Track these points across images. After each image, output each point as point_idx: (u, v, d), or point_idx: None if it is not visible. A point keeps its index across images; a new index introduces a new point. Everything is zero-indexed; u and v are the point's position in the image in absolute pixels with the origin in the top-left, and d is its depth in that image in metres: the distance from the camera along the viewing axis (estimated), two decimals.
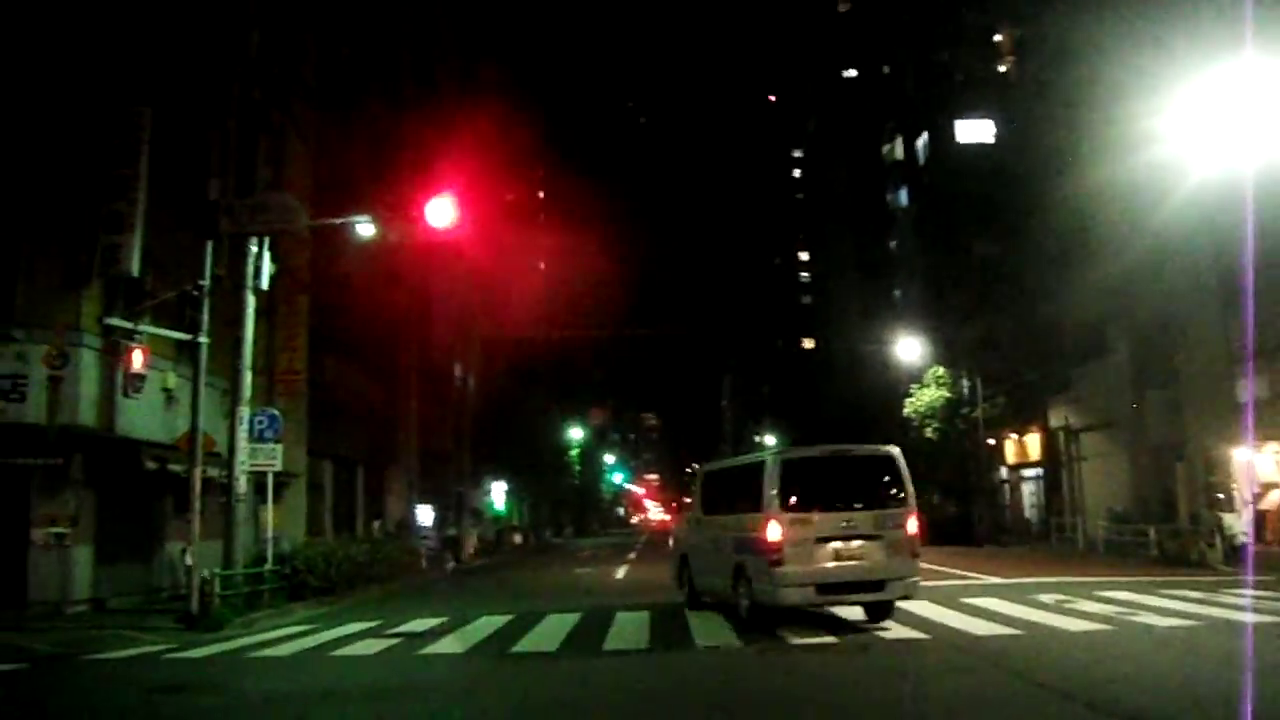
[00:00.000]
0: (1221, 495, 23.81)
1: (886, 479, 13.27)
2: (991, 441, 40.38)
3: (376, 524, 28.38)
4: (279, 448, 19.08)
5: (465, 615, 15.73)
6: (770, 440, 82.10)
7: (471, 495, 48.82)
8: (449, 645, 12.43)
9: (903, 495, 13.09)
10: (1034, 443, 38.78)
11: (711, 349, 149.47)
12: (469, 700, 9.23)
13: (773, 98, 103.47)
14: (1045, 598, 15.06)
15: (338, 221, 18.45)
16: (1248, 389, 25.91)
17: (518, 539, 48.71)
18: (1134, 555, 26.01)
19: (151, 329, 17.32)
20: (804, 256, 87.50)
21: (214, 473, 18.06)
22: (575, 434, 58.81)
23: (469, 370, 46.42)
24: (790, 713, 8.00)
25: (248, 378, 17.86)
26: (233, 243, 17.87)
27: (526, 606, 16.79)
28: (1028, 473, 40.21)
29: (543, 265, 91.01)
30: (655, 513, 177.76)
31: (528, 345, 55.40)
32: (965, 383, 38.47)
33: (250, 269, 17.64)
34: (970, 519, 37.79)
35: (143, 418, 18.94)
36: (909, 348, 41.20)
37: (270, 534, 20.40)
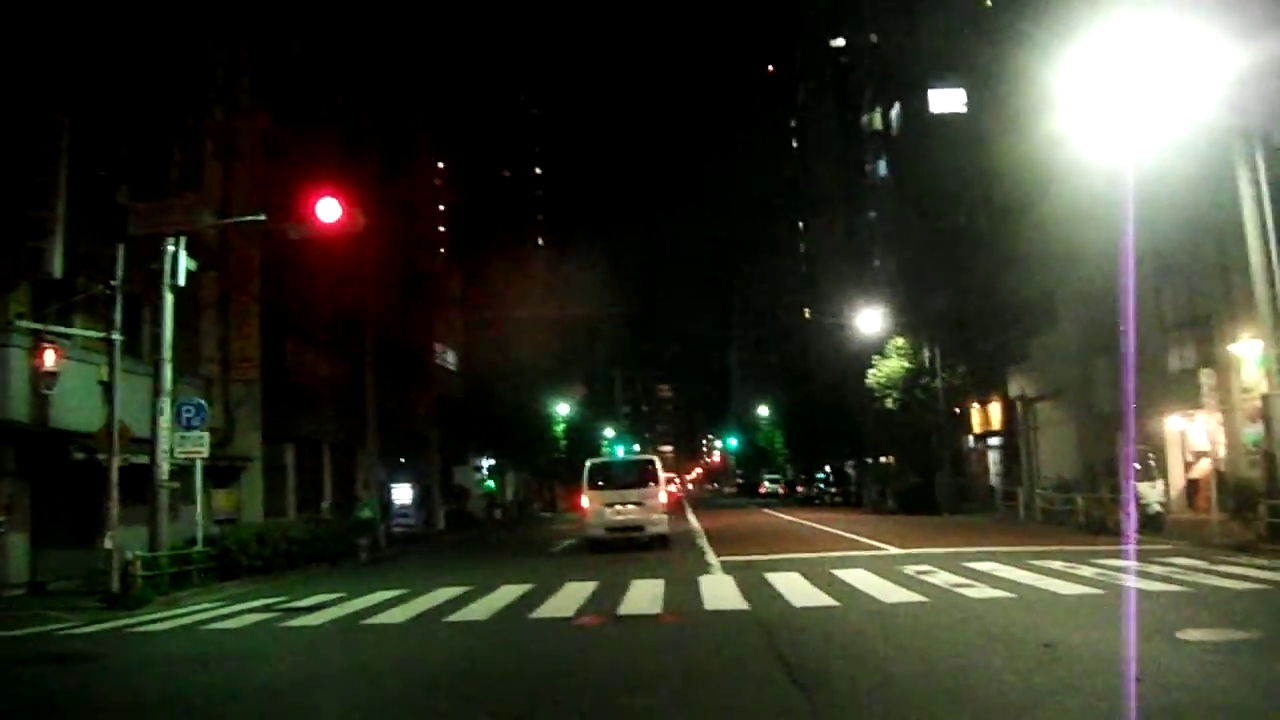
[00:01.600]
0: (1138, 465, 24.32)
1: (645, 471, 26.34)
2: (958, 411, 40.99)
3: (325, 505, 29.35)
4: (205, 435, 19.89)
5: (365, 589, 16.69)
6: (763, 411, 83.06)
7: (457, 472, 49.96)
8: (314, 619, 13.34)
9: (654, 481, 25.66)
10: (996, 412, 39.39)
11: (720, 321, 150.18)
12: (305, 660, 10.22)
13: (771, 68, 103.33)
14: (912, 569, 15.71)
15: (235, 221, 19.24)
16: (1173, 360, 26.52)
17: (497, 514, 49.73)
18: (1067, 524, 26.62)
19: (61, 329, 18.19)
20: (801, 226, 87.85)
21: (143, 460, 18.98)
22: (561, 409, 59.59)
23: (446, 350, 47.42)
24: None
25: (168, 370, 18.75)
26: (152, 242, 18.70)
27: (422, 588, 17.28)
28: (993, 441, 40.81)
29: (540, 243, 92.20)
30: (672, 485, 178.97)
31: (521, 324, 56.33)
32: (926, 353, 39.04)
33: (167, 267, 18.49)
34: (932, 488, 38.52)
35: (78, 411, 19.85)
36: (870, 319, 41.82)
37: (219, 517, 21.31)
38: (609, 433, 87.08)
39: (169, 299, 18.77)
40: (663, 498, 25.47)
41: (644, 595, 13.84)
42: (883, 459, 49.02)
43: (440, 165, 73.10)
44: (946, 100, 46.65)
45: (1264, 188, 18.14)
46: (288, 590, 18.10)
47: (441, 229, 61.32)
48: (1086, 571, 14.43)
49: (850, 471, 58.87)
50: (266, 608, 15.03)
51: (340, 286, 32.21)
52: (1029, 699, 6.89)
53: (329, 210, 16.38)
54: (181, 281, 18.92)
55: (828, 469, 63.29)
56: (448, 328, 49.60)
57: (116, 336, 17.74)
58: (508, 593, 14.98)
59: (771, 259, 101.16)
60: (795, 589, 13.69)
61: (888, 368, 39.36)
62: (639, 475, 26.04)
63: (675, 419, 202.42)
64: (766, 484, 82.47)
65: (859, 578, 14.73)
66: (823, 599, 12.51)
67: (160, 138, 19.19)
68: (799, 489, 65.88)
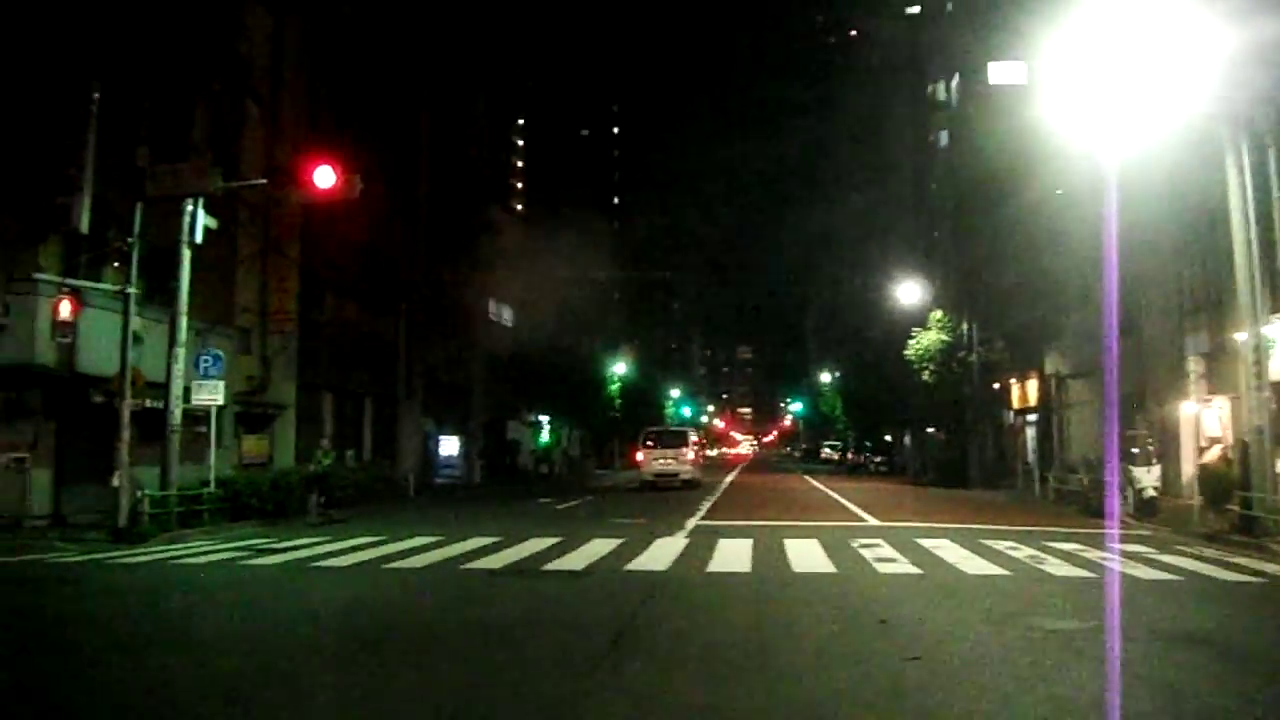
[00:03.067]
0: (1135, 450, 24.32)
1: (681, 437, 39.90)
2: (997, 386, 40.90)
3: (349, 453, 30.67)
4: (221, 384, 21.21)
5: (354, 533, 17.85)
6: (825, 377, 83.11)
7: (511, 427, 51.27)
8: (275, 559, 14.43)
9: (686, 445, 38.48)
10: (1034, 388, 39.22)
11: (799, 283, 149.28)
12: (224, 595, 11.24)
13: (832, 39, 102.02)
14: (861, 542, 16.17)
15: (240, 185, 20.32)
16: (1191, 345, 26.31)
17: (544, 469, 50.92)
18: (1075, 504, 26.73)
19: (78, 281, 19.45)
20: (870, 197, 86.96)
21: (161, 405, 20.32)
22: (618, 369, 60.50)
23: (502, 306, 48.59)
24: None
25: (183, 322, 20.05)
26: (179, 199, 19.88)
27: (398, 537, 17.86)
28: (1031, 418, 40.64)
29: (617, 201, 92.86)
30: (746, 446, 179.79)
31: (586, 283, 57.25)
32: (964, 327, 39.01)
33: (185, 225, 19.71)
34: (965, 462, 38.63)
35: (106, 358, 21.20)
36: (909, 291, 41.89)
37: (249, 461, 22.53)
38: (674, 393, 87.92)
39: (186, 255, 20.01)
40: (690, 455, 38.20)
41: (589, 552, 14.64)
42: (929, 430, 49.06)
43: (516, 121, 74.22)
44: (1005, 73, 45.75)
45: (1248, 176, 18.05)
46: (285, 533, 19.24)
47: (511, 185, 62.22)
48: (1023, 553, 14.68)
49: (905, 442, 58.97)
50: (249, 548, 16.15)
51: (384, 241, 33.36)
52: (813, 664, 7.52)
53: (324, 177, 17.33)
54: (199, 239, 20.15)
55: (888, 438, 63.51)
56: (506, 284, 50.67)
57: (132, 290, 19.02)
58: (464, 546, 15.80)
59: (848, 226, 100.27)
60: (730, 555, 14.34)
61: (926, 340, 39.44)
62: (676, 440, 39.42)
63: (754, 380, 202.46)
64: (826, 450, 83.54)
65: (802, 548, 15.24)
66: (740, 566, 13.14)
67: (184, 100, 20.19)
68: (850, 457, 66.59)
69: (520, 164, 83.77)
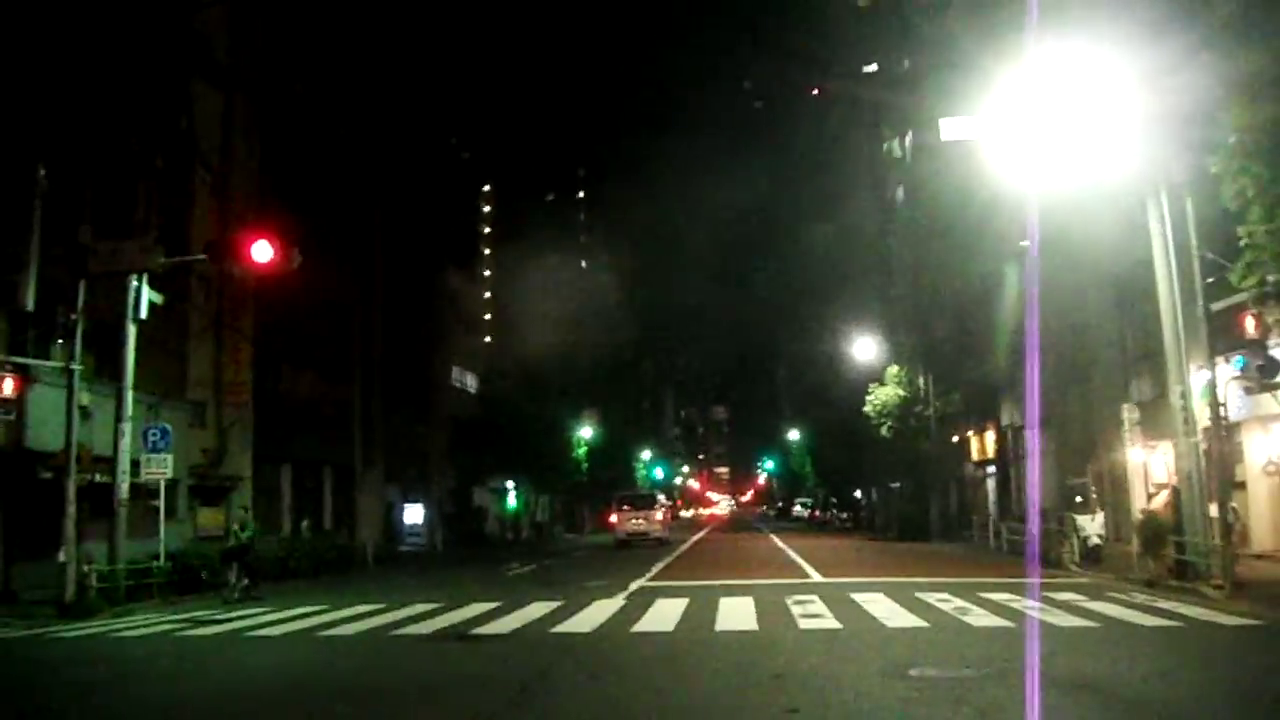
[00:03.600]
0: (1080, 498, 24.73)
1: (651, 500, 46.18)
2: (956, 439, 41.35)
3: (305, 524, 30.78)
4: (170, 457, 21.35)
5: (301, 603, 17.93)
6: (794, 434, 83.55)
7: (476, 494, 51.31)
8: (215, 629, 14.55)
9: (655, 506, 44.95)
10: (991, 440, 39.69)
11: (769, 343, 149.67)
12: (156, 665, 11.41)
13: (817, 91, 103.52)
14: (795, 599, 16.07)
15: (181, 261, 20.63)
16: (1136, 392, 26.82)
17: (509, 535, 50.94)
18: (1024, 554, 26.95)
19: (21, 359, 19.64)
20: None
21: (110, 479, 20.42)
22: (585, 433, 60.67)
23: (465, 373, 48.80)
24: None
25: (129, 396, 20.24)
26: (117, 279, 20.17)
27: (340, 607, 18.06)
28: (991, 469, 41.07)
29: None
30: (724, 506, 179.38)
31: (552, 347, 57.56)
32: (921, 381, 39.50)
33: (130, 301, 19.99)
34: (926, 516, 38.94)
35: (54, 433, 21.33)
36: (865, 346, 42.53)
37: (205, 534, 22.61)
38: (646, 455, 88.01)
39: (132, 331, 20.25)
40: (660, 516, 43.71)
41: (525, 615, 14.82)
42: (893, 485, 49.41)
43: (481, 187, 74.78)
44: (955, 129, 46.78)
45: (1168, 227, 18.60)
46: (233, 606, 19.26)
47: (478, 250, 62.50)
48: (952, 605, 14.78)
49: (873, 497, 59.25)
50: (191, 620, 16.21)
51: (341, 312, 33.68)
52: (698, 715, 7.82)
53: (261, 251, 17.69)
54: (144, 315, 20.40)
55: (858, 494, 63.79)
56: (469, 350, 51.04)
57: (76, 366, 19.22)
58: (403, 613, 15.84)
59: (815, 282, 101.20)
60: (661, 615, 14.51)
61: (884, 395, 39.91)
62: (646, 503, 44.91)
63: (731, 440, 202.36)
64: (798, 508, 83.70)
65: (734, 607, 15.31)
66: (665, 626, 13.29)
67: (130, 177, 20.58)
68: (815, 514, 67.17)
69: (487, 230, 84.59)
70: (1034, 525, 22.03)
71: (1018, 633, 12.09)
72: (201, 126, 27.24)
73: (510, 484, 54.54)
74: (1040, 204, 28.32)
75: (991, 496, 40.84)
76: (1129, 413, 20.92)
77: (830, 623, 13.23)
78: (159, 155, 21.75)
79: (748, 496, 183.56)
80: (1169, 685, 8.89)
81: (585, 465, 60.04)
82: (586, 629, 13.22)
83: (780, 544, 39.25)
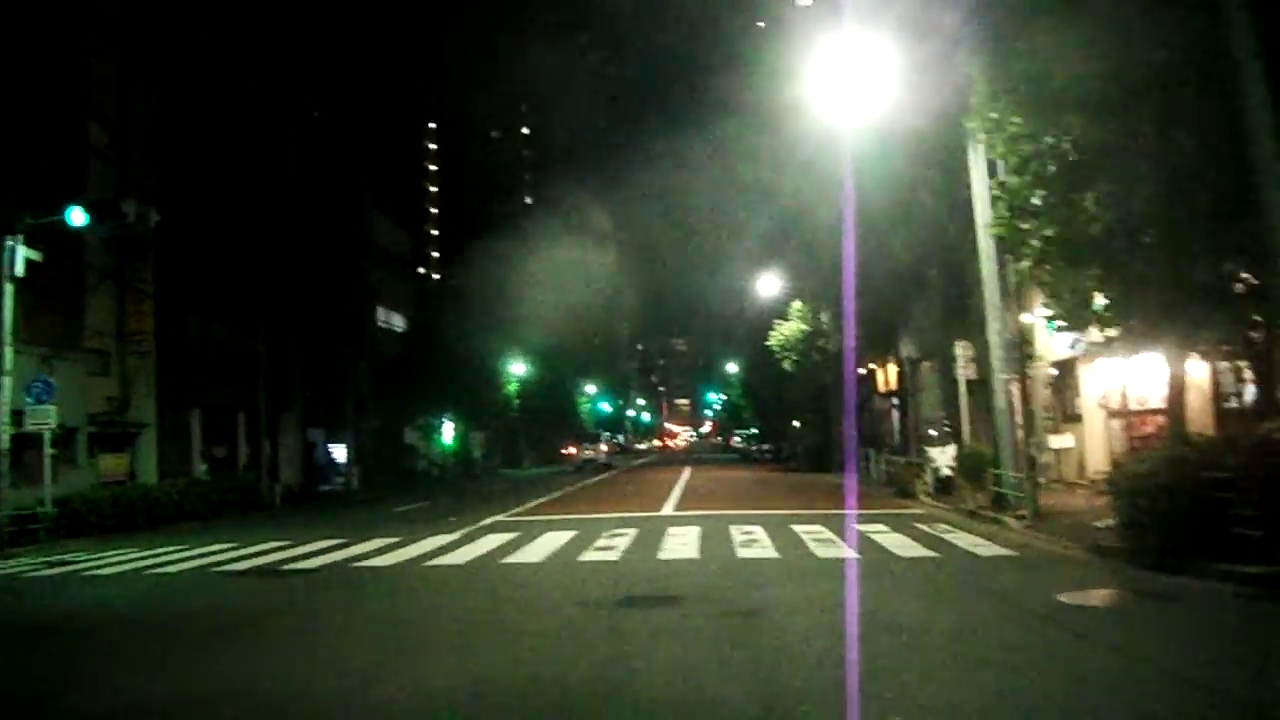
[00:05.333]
0: (933, 431, 25.94)
1: (597, 436, 74.69)
2: (863, 371, 42.62)
3: (203, 467, 31.86)
4: (53, 409, 22.16)
5: (158, 543, 19.06)
6: (733, 368, 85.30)
7: (407, 432, 52.44)
8: (59, 570, 15.63)
9: (600, 440, 71.99)
10: (894, 373, 40.99)
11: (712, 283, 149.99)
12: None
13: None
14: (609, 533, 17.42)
15: (48, 222, 21.21)
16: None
17: (435, 472, 52.10)
18: (892, 485, 28.17)
19: None
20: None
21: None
22: (516, 369, 61.63)
23: (391, 314, 49.67)
24: None
25: (8, 352, 21.12)
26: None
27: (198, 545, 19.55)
28: (896, 401, 42.42)
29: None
30: (684, 436, 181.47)
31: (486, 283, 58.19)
32: (823, 316, 40.55)
33: (4, 260, 20.84)
34: (829, 447, 40.35)
35: None
36: (769, 283, 43.66)
37: (108, 479, 23.57)
38: (591, 389, 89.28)
39: (9, 289, 21.10)
40: (604, 448, 68.14)
41: (358, 551, 15.99)
42: (808, 417, 50.80)
43: (427, 125, 74.45)
44: None
45: (984, 175, 19.54)
46: (116, 545, 20.17)
47: (425, 189, 62.54)
48: (746, 536, 15.97)
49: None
50: (57, 562, 17.27)
51: (254, 260, 34.26)
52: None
53: (78, 217, 18.93)
54: (20, 273, 21.23)
55: (797, 423, 65.30)
56: (397, 294, 51.82)
57: None
58: (243, 552, 16.98)
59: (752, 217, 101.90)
60: (477, 548, 15.79)
61: (788, 330, 41.08)
62: (593, 439, 69.18)
63: (690, 373, 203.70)
64: (737, 439, 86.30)
65: (550, 540, 16.59)
66: (460, 559, 14.54)
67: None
68: (739, 446, 70.34)
69: (433, 168, 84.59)
70: (851, 455, 23.04)
71: (781, 562, 12.90)
72: (98, 83, 27.90)
73: (447, 421, 55.61)
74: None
75: (896, 427, 42.26)
76: (961, 350, 22.12)
77: (605, 555, 14.27)
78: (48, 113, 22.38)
79: (706, 429, 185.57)
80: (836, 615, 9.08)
81: (516, 401, 61.26)
82: (389, 563, 14.41)
83: (686, 475, 40.62)
